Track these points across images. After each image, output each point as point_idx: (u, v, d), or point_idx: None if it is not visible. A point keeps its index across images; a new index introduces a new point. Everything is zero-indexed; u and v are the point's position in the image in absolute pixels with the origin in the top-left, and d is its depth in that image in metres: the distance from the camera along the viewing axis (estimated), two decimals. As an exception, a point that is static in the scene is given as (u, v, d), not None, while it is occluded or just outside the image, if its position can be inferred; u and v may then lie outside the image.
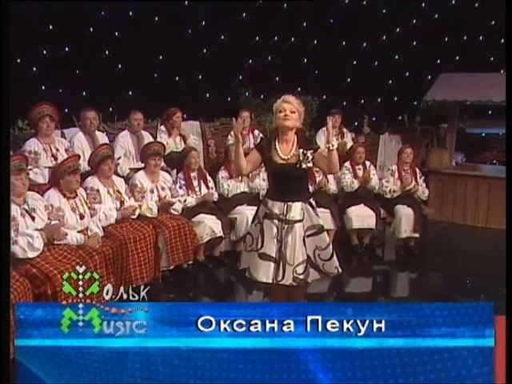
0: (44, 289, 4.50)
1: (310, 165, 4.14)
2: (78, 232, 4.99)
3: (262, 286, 4.66)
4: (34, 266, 4.52)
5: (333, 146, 4.02)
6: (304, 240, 4.24)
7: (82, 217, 5.09)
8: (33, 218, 4.65)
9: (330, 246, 4.34)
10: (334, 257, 4.34)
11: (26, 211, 4.62)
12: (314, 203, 4.36)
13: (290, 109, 4.08)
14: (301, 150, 4.09)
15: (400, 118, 9.28)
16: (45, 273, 4.46)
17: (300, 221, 4.19)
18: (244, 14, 9.27)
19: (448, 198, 8.32)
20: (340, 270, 4.39)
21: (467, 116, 8.61)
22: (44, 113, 5.85)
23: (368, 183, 7.00)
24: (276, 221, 4.20)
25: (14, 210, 4.51)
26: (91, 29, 8.39)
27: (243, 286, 5.68)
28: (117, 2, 8.48)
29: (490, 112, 8.39)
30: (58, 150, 5.83)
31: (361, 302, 5.91)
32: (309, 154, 4.08)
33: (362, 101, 9.76)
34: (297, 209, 4.20)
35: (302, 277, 4.19)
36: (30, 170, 5.39)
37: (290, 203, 4.18)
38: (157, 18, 8.83)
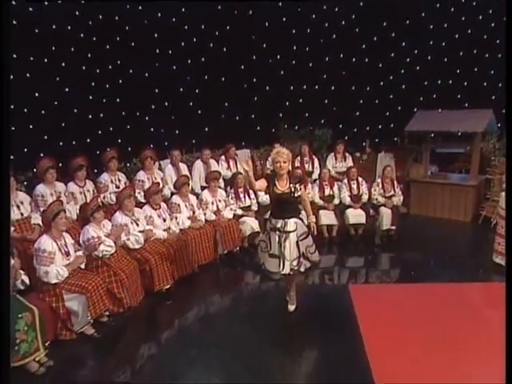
0: (144, 267, 5.21)
1: (299, 193, 4.47)
2: (164, 230, 5.67)
3: (272, 272, 4.66)
4: (139, 253, 5.30)
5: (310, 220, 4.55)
6: (297, 243, 4.48)
7: (164, 220, 5.77)
8: (137, 224, 5.38)
9: (314, 244, 4.62)
10: (317, 251, 4.66)
11: (134, 220, 5.35)
12: (302, 217, 4.62)
13: (283, 159, 4.37)
14: (292, 185, 4.42)
15: (395, 139, 9.39)
16: (144, 257, 5.22)
17: (294, 231, 4.46)
18: (282, 72, 9.67)
19: (423, 198, 8.20)
20: (319, 257, 4.74)
21: (440, 139, 8.57)
22: (147, 155, 6.60)
23: (360, 190, 7.07)
24: (278, 232, 4.49)
25: (127, 220, 5.26)
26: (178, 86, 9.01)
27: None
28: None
29: (456, 136, 8.27)
30: (155, 178, 6.48)
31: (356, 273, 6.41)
32: (298, 187, 4.45)
33: (368, 128, 9.84)
34: (291, 223, 4.47)
35: (296, 268, 4.51)
36: (139, 193, 6.15)
37: (286, 220, 4.47)
38: (223, 78, 9.34)
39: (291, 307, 4.88)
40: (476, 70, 9.39)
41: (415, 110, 8.91)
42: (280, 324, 4.71)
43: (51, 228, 4.44)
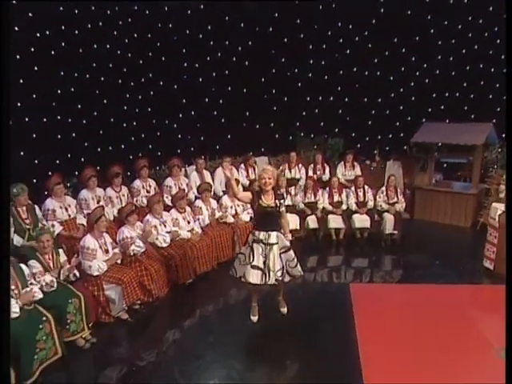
0: (170, 263, 5.82)
1: (283, 209, 4.62)
2: (188, 231, 6.24)
3: (253, 284, 4.59)
4: (166, 251, 5.89)
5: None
6: (280, 255, 4.53)
7: (188, 222, 6.35)
8: (165, 226, 5.98)
9: (295, 259, 4.64)
10: (298, 265, 4.66)
11: (162, 222, 5.96)
12: (282, 231, 4.64)
13: (268, 176, 4.47)
14: (277, 201, 4.52)
15: (405, 147, 9.55)
16: (170, 255, 5.83)
17: (276, 243, 4.51)
18: (299, 84, 10.10)
19: (427, 205, 8.50)
20: (302, 273, 4.72)
21: (446, 149, 8.70)
22: (175, 163, 7.19)
23: (366, 197, 7.50)
24: (262, 244, 4.50)
25: (156, 222, 5.88)
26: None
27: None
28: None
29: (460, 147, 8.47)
30: (181, 184, 7.08)
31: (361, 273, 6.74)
32: (282, 202, 4.60)
33: (379, 136, 10.11)
34: (273, 236, 4.51)
35: (280, 278, 4.53)
36: (167, 197, 6.76)
37: (269, 232, 4.49)
38: (245, 90, 9.87)
39: (284, 310, 5.00)
40: (482, 83, 9.54)
41: (423, 120, 9.26)
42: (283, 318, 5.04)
43: (94, 229, 5.12)
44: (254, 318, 4.94)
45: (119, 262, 5.35)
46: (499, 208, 5.94)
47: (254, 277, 4.50)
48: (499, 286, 4.99)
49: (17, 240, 5.01)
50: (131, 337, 4.95)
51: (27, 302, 4.07)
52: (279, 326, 4.94)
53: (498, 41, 9.19)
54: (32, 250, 4.66)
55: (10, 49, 6.02)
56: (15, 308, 3.89)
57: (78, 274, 4.88)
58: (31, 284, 4.27)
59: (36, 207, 5.47)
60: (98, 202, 6.01)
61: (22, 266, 4.33)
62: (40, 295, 4.21)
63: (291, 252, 4.63)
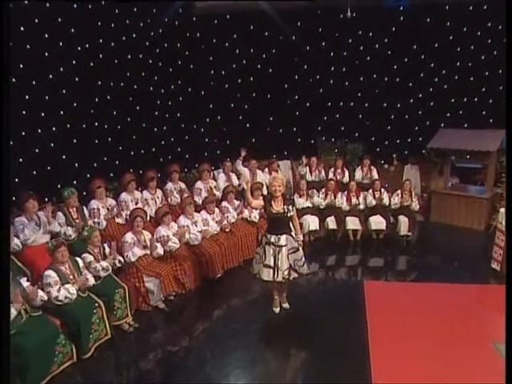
0: (201, 259, 6.58)
1: (292, 213, 5.18)
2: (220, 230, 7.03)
3: (265, 281, 5.36)
4: (197, 248, 6.67)
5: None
6: (288, 256, 5.15)
7: (217, 222, 7.11)
8: (196, 225, 6.76)
9: (303, 258, 5.26)
10: (305, 264, 5.29)
11: (193, 222, 6.74)
12: (292, 234, 5.24)
13: (278, 184, 5.11)
14: (285, 206, 5.11)
15: (423, 151, 9.90)
16: (201, 252, 6.62)
17: (285, 245, 5.13)
18: (321, 90, 10.65)
19: (442, 208, 8.98)
20: (308, 271, 5.41)
21: (464, 154, 8.89)
22: (205, 168, 7.97)
23: (382, 201, 8.09)
24: (272, 246, 5.14)
25: (188, 222, 6.65)
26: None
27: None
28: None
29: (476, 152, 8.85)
30: (210, 187, 7.85)
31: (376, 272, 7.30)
32: (290, 208, 5.16)
33: (398, 141, 10.54)
34: (283, 238, 5.13)
35: (287, 277, 5.18)
36: (198, 199, 7.54)
37: (279, 235, 5.12)
38: (269, 95, 10.56)
39: (286, 305, 5.70)
40: (500, 88, 9.84)
41: (442, 125, 9.72)
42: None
43: (133, 227, 5.96)
44: (276, 309, 5.68)
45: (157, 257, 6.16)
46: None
47: (266, 274, 5.21)
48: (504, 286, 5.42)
49: (68, 233, 5.86)
50: (167, 323, 5.76)
51: (82, 286, 4.91)
52: (298, 317, 5.65)
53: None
54: (84, 245, 5.51)
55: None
56: (73, 291, 4.77)
57: (122, 260, 5.70)
58: (85, 274, 5.11)
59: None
60: (136, 204, 6.83)
61: (77, 258, 5.17)
62: (92, 281, 5.06)
63: (299, 252, 5.26)
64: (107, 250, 5.62)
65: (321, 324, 5.51)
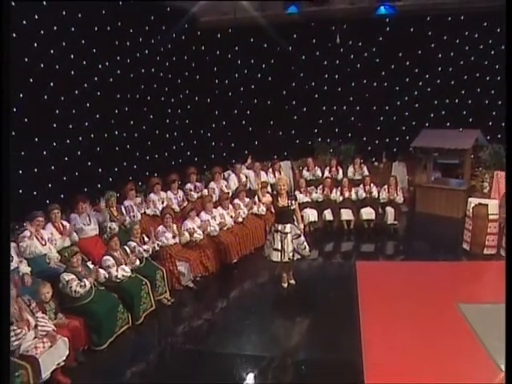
0: (220, 247, 8.13)
1: (294, 207, 6.51)
2: (234, 223, 8.63)
3: (274, 262, 6.72)
4: (216, 238, 8.21)
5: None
6: (292, 241, 6.43)
7: (231, 217, 8.70)
8: (214, 219, 8.35)
9: (305, 243, 6.49)
10: (307, 247, 6.51)
11: (212, 217, 8.34)
12: (295, 223, 6.48)
13: (283, 184, 6.50)
14: (289, 201, 6.44)
15: (410, 149, 11.30)
16: (220, 240, 8.20)
17: (290, 232, 6.42)
18: (316, 95, 12.24)
19: (425, 199, 10.54)
20: (309, 253, 6.70)
21: (444, 151, 10.48)
22: (216, 170, 9.57)
23: (371, 194, 9.61)
24: (279, 233, 6.44)
25: (208, 217, 8.25)
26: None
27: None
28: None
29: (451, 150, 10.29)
30: (222, 186, 9.44)
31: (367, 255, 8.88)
32: (293, 203, 6.48)
33: (387, 140, 12.11)
34: (287, 227, 6.42)
35: (291, 257, 6.49)
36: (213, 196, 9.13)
37: (285, 224, 6.43)
38: (269, 101, 12.12)
39: (292, 281, 6.99)
40: (478, 90, 11.37)
41: (427, 124, 11.33)
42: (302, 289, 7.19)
43: (163, 222, 7.62)
44: (284, 285, 7.18)
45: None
46: (473, 202, 8.17)
47: (275, 256, 6.53)
48: (472, 262, 7.68)
49: (113, 227, 7.42)
50: (195, 300, 7.32)
51: (132, 266, 6.51)
52: (302, 291, 7.23)
53: (492, 52, 10.98)
54: (127, 235, 7.13)
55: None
56: (128, 270, 6.39)
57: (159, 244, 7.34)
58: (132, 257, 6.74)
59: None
60: (163, 203, 8.44)
61: (125, 246, 6.81)
62: (137, 262, 6.65)
63: (301, 238, 6.60)
64: (146, 238, 7.25)
65: (321, 296, 7.02)
